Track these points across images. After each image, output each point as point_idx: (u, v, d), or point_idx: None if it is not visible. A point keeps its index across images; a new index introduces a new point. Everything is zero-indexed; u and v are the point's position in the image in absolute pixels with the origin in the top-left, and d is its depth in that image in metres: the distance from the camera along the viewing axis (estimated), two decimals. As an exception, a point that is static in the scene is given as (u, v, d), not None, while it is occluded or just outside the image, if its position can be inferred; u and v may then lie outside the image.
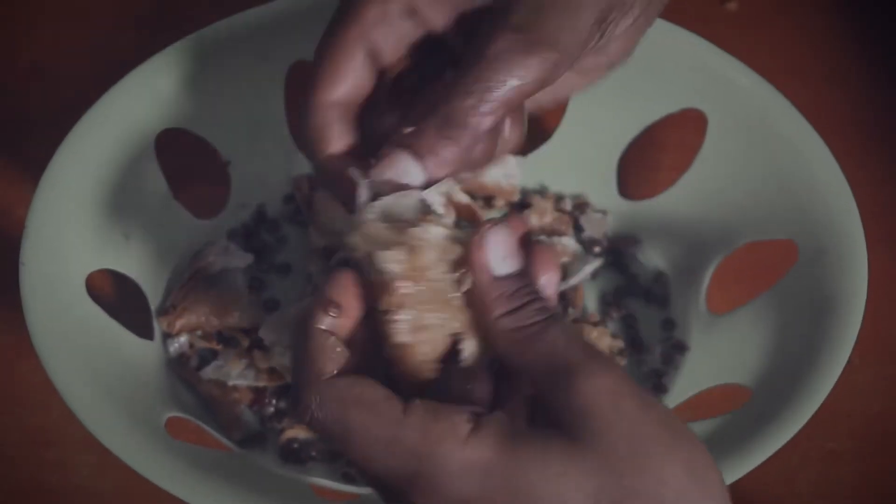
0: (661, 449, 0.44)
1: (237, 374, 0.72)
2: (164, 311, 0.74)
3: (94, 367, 0.65)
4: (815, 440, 0.74)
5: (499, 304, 0.47)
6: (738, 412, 0.67)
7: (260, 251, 0.78)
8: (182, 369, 0.73)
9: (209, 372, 0.72)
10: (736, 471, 0.61)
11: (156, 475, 0.60)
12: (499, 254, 0.48)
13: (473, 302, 0.48)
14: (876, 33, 0.92)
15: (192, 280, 0.75)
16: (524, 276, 0.48)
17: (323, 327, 0.48)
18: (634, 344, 0.76)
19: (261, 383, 0.71)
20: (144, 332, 0.72)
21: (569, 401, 0.44)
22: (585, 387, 0.44)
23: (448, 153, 0.53)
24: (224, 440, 0.70)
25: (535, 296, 0.48)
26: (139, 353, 0.71)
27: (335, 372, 0.47)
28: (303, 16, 0.76)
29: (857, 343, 0.65)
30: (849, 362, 0.65)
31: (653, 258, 0.79)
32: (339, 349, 0.48)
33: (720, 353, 0.73)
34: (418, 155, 0.52)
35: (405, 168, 0.52)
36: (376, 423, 0.45)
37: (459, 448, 0.44)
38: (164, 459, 0.61)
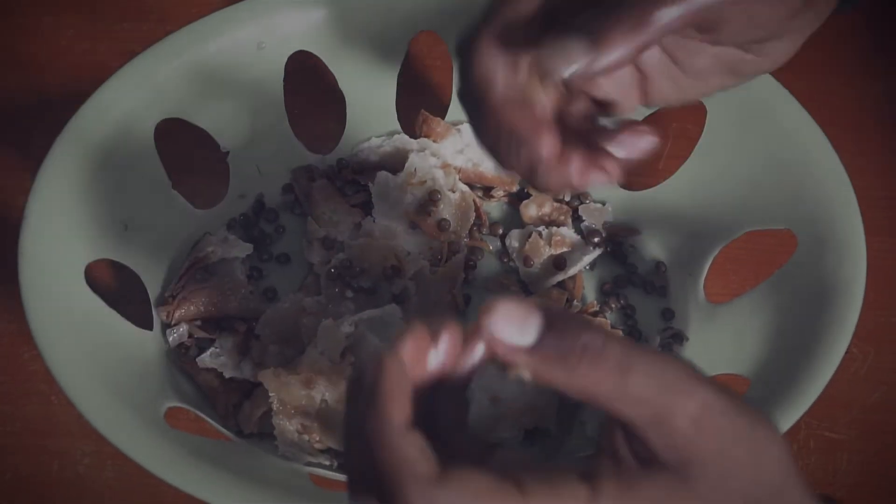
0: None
1: (233, 367, 0.72)
2: (163, 301, 0.74)
3: (93, 356, 0.65)
4: (814, 429, 0.74)
5: (554, 373, 0.42)
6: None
7: (259, 241, 0.78)
8: (181, 360, 0.73)
9: (206, 359, 0.72)
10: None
11: (154, 464, 0.60)
12: (513, 329, 0.42)
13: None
14: (875, 23, 0.92)
15: (191, 270, 0.75)
16: (558, 332, 0.42)
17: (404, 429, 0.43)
18: (633, 334, 0.76)
19: (257, 378, 0.71)
20: (143, 322, 0.72)
21: (670, 441, 0.42)
22: (682, 425, 0.42)
23: (623, 39, 0.49)
24: (223, 430, 0.70)
25: (590, 333, 0.42)
26: (138, 343, 0.71)
27: (436, 471, 0.42)
28: (302, 6, 0.76)
29: (855, 333, 0.65)
30: (848, 352, 0.65)
31: (652, 248, 0.79)
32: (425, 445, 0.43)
33: (719, 342, 0.73)
34: (591, 36, 0.49)
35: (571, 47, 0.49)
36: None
37: None
38: (162, 449, 0.61)
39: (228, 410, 0.71)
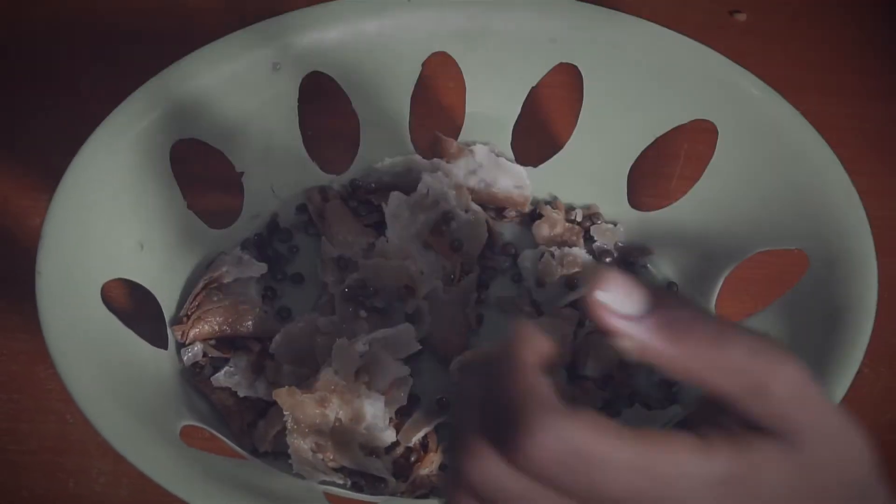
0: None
1: (248, 386, 0.72)
2: (177, 320, 0.74)
3: (110, 375, 0.65)
4: (826, 449, 0.74)
5: (658, 344, 0.42)
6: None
7: (273, 261, 0.79)
8: (195, 379, 0.73)
9: (220, 379, 0.72)
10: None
11: (170, 482, 0.60)
12: (622, 299, 0.42)
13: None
14: (887, 44, 0.92)
15: (206, 290, 0.75)
16: (662, 305, 0.42)
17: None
18: (645, 354, 0.76)
19: (271, 397, 0.72)
20: (159, 341, 0.73)
21: (771, 409, 0.42)
22: (781, 392, 0.42)
23: None
24: (238, 449, 0.71)
25: (691, 309, 0.43)
26: (154, 361, 0.72)
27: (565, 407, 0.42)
28: (317, 27, 0.77)
29: (868, 353, 0.66)
30: (859, 372, 0.65)
31: (663, 268, 0.80)
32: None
33: (731, 362, 0.73)
34: None
35: None
36: (620, 446, 0.41)
37: (701, 461, 0.42)
38: (178, 466, 0.61)
39: (243, 429, 0.72)
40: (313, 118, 0.80)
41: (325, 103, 0.81)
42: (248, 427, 0.72)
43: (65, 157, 0.70)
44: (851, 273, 0.69)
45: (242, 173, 0.79)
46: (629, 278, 0.43)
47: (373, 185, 0.81)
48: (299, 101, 0.78)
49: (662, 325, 0.42)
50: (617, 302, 0.42)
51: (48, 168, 0.72)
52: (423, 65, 0.79)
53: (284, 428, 0.69)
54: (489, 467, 0.42)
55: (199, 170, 0.77)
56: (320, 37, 0.77)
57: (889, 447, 0.74)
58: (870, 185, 0.75)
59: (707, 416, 0.44)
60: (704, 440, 0.42)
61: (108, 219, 0.71)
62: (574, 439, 0.41)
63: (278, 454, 0.71)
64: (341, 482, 0.70)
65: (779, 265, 0.76)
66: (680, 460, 0.42)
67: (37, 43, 0.91)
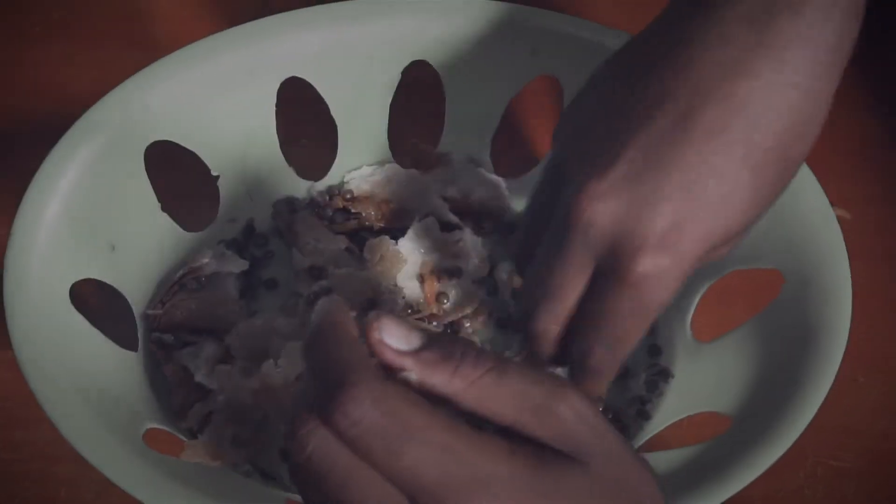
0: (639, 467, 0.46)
1: (206, 374, 0.72)
2: (153, 305, 0.74)
3: (76, 376, 0.65)
4: (821, 458, 0.74)
5: (438, 376, 0.45)
6: (717, 440, 0.67)
7: (248, 265, 0.78)
8: (159, 349, 0.73)
9: (182, 356, 0.72)
10: (712, 497, 0.61)
11: (131, 485, 0.61)
12: (400, 337, 0.45)
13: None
14: (865, 57, 0.92)
15: (184, 279, 0.75)
16: (438, 342, 0.45)
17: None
18: (619, 370, 0.76)
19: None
20: (127, 342, 0.72)
21: (558, 429, 0.45)
22: (567, 413, 0.45)
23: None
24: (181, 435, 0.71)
25: (467, 344, 0.46)
26: (122, 363, 0.71)
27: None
28: (295, 32, 0.77)
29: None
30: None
31: (640, 284, 0.79)
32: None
33: (703, 380, 0.73)
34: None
35: None
36: (434, 425, 0.43)
37: (506, 460, 0.44)
38: (140, 469, 0.62)
39: (184, 407, 0.71)
40: (291, 124, 0.80)
41: (303, 109, 0.81)
42: (188, 408, 0.71)
43: (34, 162, 0.70)
44: (826, 294, 0.68)
45: (218, 177, 0.78)
46: (404, 323, 0.45)
47: (350, 192, 0.81)
48: (277, 106, 0.78)
49: (438, 358, 0.44)
50: (394, 339, 0.45)
51: (22, 169, 0.71)
52: (403, 73, 0.79)
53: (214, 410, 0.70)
54: (315, 437, 0.43)
55: (175, 173, 0.77)
56: (298, 42, 0.77)
57: (883, 455, 0.75)
58: (856, 192, 0.75)
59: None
60: (511, 447, 0.44)
61: (79, 219, 0.71)
62: (391, 401, 0.43)
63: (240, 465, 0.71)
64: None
65: (753, 284, 0.75)
66: (490, 457, 0.43)
67: (6, 48, 0.90)
